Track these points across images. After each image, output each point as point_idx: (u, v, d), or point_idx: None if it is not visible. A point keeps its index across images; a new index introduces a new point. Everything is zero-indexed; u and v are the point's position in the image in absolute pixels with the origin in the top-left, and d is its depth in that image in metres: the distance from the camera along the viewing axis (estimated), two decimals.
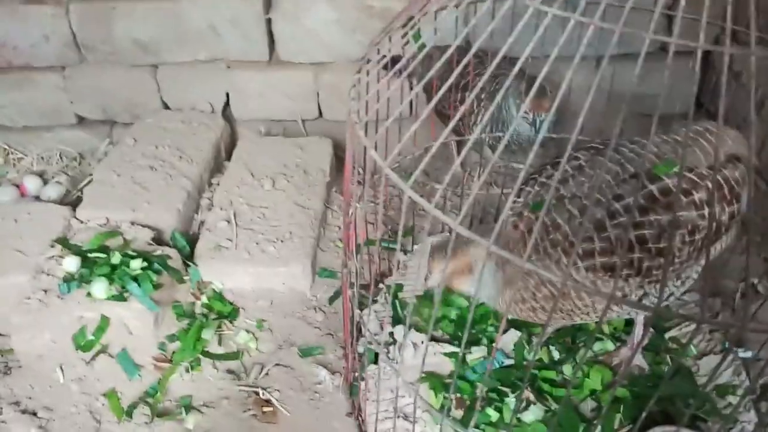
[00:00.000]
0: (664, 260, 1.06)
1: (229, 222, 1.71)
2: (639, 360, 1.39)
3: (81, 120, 2.30)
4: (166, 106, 2.26)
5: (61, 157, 2.28)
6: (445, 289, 1.32)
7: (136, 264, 1.47)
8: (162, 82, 2.21)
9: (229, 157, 2.12)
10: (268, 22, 2.09)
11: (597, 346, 1.44)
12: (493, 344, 1.45)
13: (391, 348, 1.44)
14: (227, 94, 2.23)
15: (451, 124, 0.88)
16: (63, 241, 1.58)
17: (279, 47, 2.14)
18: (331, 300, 1.63)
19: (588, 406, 1.34)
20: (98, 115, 2.28)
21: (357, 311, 1.20)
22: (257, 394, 1.40)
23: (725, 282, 1.61)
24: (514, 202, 1.26)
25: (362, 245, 1.63)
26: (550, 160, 1.30)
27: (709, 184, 1.12)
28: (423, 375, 1.38)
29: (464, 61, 0.94)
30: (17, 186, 2.08)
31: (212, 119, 2.17)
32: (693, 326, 1.52)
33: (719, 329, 1.48)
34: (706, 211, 1.11)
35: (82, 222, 1.69)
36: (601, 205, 1.10)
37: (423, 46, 1.35)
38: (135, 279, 1.44)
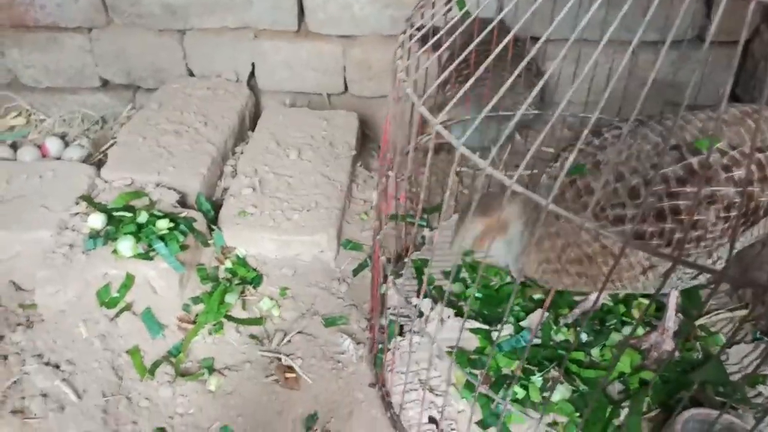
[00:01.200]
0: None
1: (254, 189, 1.69)
2: (668, 342, 1.37)
3: (105, 84, 2.28)
4: (191, 74, 2.23)
5: (82, 120, 2.26)
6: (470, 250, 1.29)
7: (163, 224, 1.46)
8: (188, 48, 2.19)
9: (253, 127, 2.10)
10: None
11: (626, 330, 1.42)
12: (520, 322, 1.43)
13: (416, 321, 1.42)
14: (253, 64, 2.20)
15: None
16: (88, 199, 1.57)
17: (308, 18, 2.11)
18: (356, 272, 1.61)
19: (616, 388, 1.32)
20: (122, 79, 2.26)
21: (389, 280, 1.18)
22: (279, 360, 1.38)
23: (758, 274, 1.58)
24: (550, 166, 1.27)
25: (389, 218, 1.61)
26: (590, 129, 1.28)
27: (752, 165, 1.09)
28: (448, 349, 1.37)
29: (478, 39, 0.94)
30: (39, 147, 2.07)
31: (237, 88, 2.14)
32: (722, 315, 1.50)
33: (749, 318, 1.46)
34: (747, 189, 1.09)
35: (106, 182, 1.67)
36: (637, 173, 1.09)
37: (468, 14, 1.33)
38: (161, 239, 1.42)
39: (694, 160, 1.08)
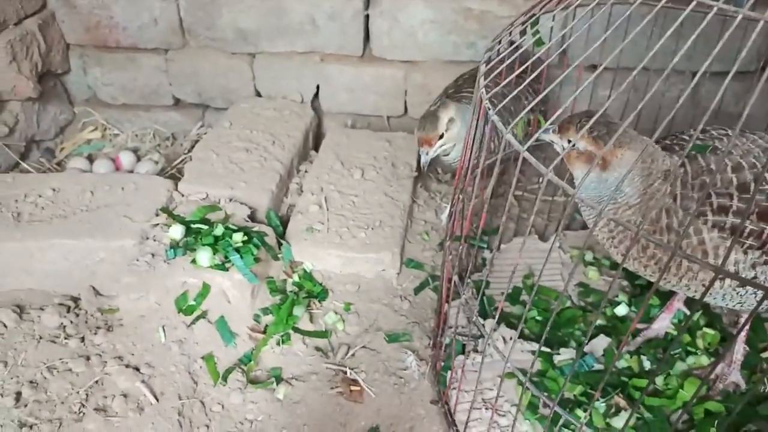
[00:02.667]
0: None
1: (320, 206, 1.76)
2: (736, 377, 1.36)
3: (177, 102, 2.41)
4: (258, 94, 2.34)
5: (154, 136, 2.38)
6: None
7: (238, 237, 1.53)
8: (257, 70, 2.29)
9: (315, 147, 2.18)
10: (366, 18, 2.14)
11: (690, 360, 1.42)
12: (582, 346, 1.44)
13: (479, 341, 1.45)
14: (317, 86, 2.29)
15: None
16: (167, 211, 1.66)
17: (373, 43, 2.19)
18: (417, 290, 1.65)
19: (680, 418, 1.32)
20: (194, 98, 2.38)
21: (459, 299, 1.21)
22: (344, 372, 1.43)
23: None
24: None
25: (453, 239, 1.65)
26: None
27: None
28: (510, 370, 1.39)
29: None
30: (112, 160, 2.19)
31: (302, 109, 2.23)
32: None
33: None
34: None
35: (183, 195, 1.76)
36: (754, 168, 1.12)
37: (542, 43, 1.37)
38: (237, 251, 1.49)
39: None
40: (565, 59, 2.00)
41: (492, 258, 1.69)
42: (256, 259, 1.51)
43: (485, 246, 1.74)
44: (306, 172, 2.00)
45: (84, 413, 1.30)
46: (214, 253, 1.49)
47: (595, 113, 1.05)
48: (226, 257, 1.49)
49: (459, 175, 1.22)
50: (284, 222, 1.77)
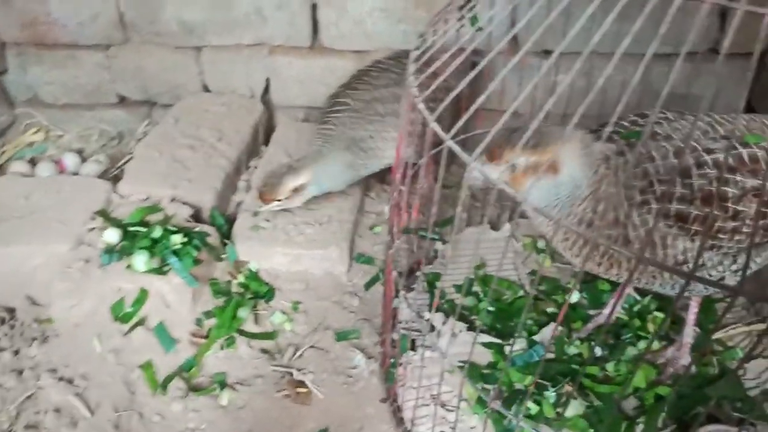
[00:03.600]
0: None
1: None
2: (685, 357, 1.35)
3: (122, 100, 2.32)
4: (206, 89, 2.27)
5: (99, 136, 2.30)
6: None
7: (177, 239, 1.47)
8: (204, 65, 2.22)
9: (266, 142, 2.12)
10: (314, 7, 2.08)
11: (641, 344, 1.40)
12: (533, 336, 1.42)
13: (428, 336, 1.42)
14: (267, 80, 2.23)
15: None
16: (104, 214, 1.59)
17: (322, 34, 2.13)
18: (368, 285, 1.61)
19: (631, 404, 1.30)
20: (139, 95, 2.30)
21: (401, 295, 1.17)
22: (291, 374, 1.38)
23: None
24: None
25: (402, 231, 1.61)
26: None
27: None
28: (460, 364, 1.36)
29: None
30: (56, 162, 2.11)
31: (252, 104, 2.17)
32: (740, 329, 1.48)
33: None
34: None
35: (122, 197, 1.70)
36: (694, 152, 1.08)
37: (480, 29, 1.33)
38: (175, 253, 1.44)
39: (744, 151, 1.09)
40: (511, 47, 1.97)
41: (444, 250, 1.66)
42: (196, 261, 1.46)
43: (437, 238, 1.71)
44: (255, 167, 1.95)
45: (14, 431, 1.24)
46: (152, 257, 1.43)
47: (515, 128, 1.01)
48: (163, 260, 1.43)
49: (395, 168, 1.18)
50: (232, 221, 1.72)
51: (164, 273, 1.42)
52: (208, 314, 1.47)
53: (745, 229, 1.07)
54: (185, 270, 1.42)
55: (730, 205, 1.06)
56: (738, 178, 1.06)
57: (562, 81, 0.87)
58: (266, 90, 2.26)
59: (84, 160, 2.13)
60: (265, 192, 1.59)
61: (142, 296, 1.40)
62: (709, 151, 1.09)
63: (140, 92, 2.29)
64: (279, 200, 1.59)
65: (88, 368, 1.35)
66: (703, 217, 1.06)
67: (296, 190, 1.60)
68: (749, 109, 2.03)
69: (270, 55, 2.18)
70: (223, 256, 1.58)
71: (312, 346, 1.45)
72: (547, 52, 2.02)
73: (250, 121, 2.07)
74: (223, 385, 1.35)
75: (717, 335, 1.44)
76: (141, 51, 2.20)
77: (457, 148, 0.86)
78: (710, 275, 1.15)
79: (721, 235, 1.07)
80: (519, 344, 1.39)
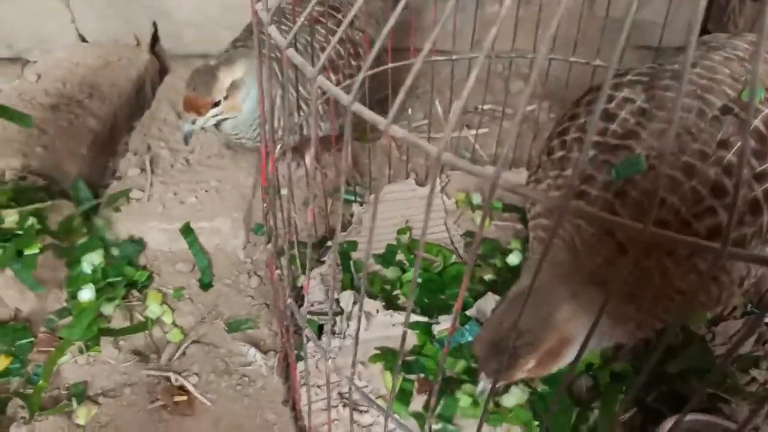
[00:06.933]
0: None
1: (143, 169, 1.39)
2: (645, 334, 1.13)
3: None
4: (84, 40, 1.91)
5: None
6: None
7: (13, 218, 1.16)
8: (77, 10, 1.86)
9: None
10: None
11: None
12: (467, 311, 1.17)
13: (337, 319, 1.16)
14: (154, 24, 1.88)
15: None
16: None
17: None
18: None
19: (583, 384, 1.08)
20: (4, 52, 1.93)
21: (280, 277, 0.90)
22: (168, 380, 1.11)
23: None
24: (557, 176, 0.88)
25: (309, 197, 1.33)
26: (572, 108, 0.93)
27: None
28: (377, 352, 1.11)
29: None
30: None
31: (135, 53, 1.83)
32: None
33: None
34: None
35: None
36: (708, 158, 0.76)
37: None
38: (8, 240, 1.12)
39: (758, 123, 0.78)
40: None
41: (360, 213, 1.40)
42: (43, 249, 1.14)
43: (353, 199, 1.43)
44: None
45: None
46: None
47: None
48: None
49: (264, 158, 0.86)
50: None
51: None
52: (62, 313, 1.17)
53: None
54: (28, 271, 1.11)
55: None
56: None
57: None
58: (155, 37, 1.92)
59: None
60: (195, 96, 1.18)
61: None
62: (724, 145, 0.77)
63: (4, 48, 1.92)
64: (218, 103, 1.20)
65: None
66: (758, 230, 0.78)
67: (234, 86, 1.21)
68: (705, 32, 1.80)
69: None
70: (83, 239, 1.27)
71: (197, 341, 1.18)
72: None
73: (131, 73, 1.74)
74: (80, 398, 1.07)
75: None
76: None
77: (331, 86, 0.57)
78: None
79: None
80: (448, 322, 1.15)
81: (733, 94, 0.82)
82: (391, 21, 0.49)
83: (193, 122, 1.21)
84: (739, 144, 0.75)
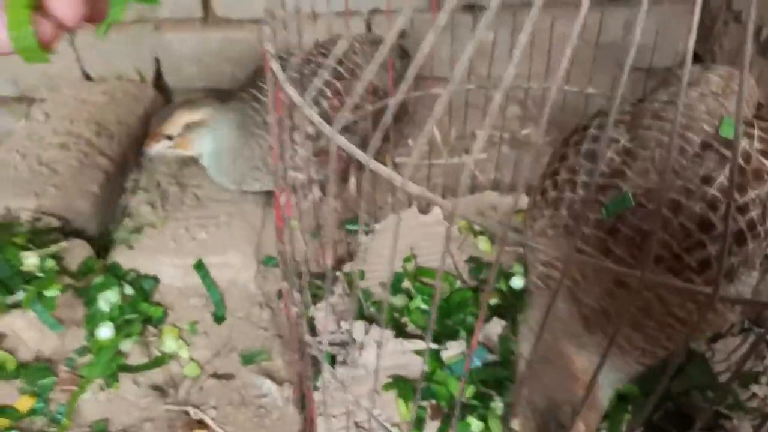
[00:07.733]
0: None
1: (153, 206, 1.43)
2: None
3: None
4: (88, 78, 1.95)
5: None
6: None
7: (33, 261, 1.19)
8: (81, 49, 1.91)
9: None
10: None
11: None
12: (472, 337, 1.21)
13: (349, 349, 1.19)
14: (157, 60, 1.93)
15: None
16: None
17: (213, 2, 1.85)
18: (280, 294, 1.37)
19: None
20: (10, 90, 1.97)
21: (295, 308, 0.94)
22: (187, 413, 1.14)
23: None
24: (552, 216, 0.89)
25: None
26: (561, 148, 0.96)
27: None
28: (389, 380, 1.15)
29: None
30: None
31: (140, 89, 1.87)
32: None
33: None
34: None
35: None
36: (692, 195, 0.80)
37: None
38: (29, 283, 1.16)
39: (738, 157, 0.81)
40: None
41: (366, 243, 1.44)
42: (63, 288, 1.18)
43: (365, 229, 1.47)
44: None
45: None
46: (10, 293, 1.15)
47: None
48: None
49: (276, 146, 0.90)
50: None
51: (18, 307, 1.15)
52: (82, 351, 1.20)
53: None
54: (47, 312, 1.14)
55: (759, 228, 0.82)
56: (753, 194, 0.81)
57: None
58: (159, 73, 1.96)
59: None
60: (153, 126, 1.30)
61: None
62: (708, 180, 0.81)
63: (10, 87, 1.96)
64: (170, 137, 1.28)
65: None
66: (744, 259, 0.82)
67: (190, 128, 1.29)
68: (695, 58, 1.86)
69: (157, 31, 1.88)
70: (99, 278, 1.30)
71: (214, 375, 1.21)
72: (472, 7, 1.80)
73: (137, 110, 1.78)
74: None
75: None
76: None
77: (316, 117, 0.61)
78: None
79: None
80: (456, 348, 1.18)
81: (711, 130, 0.86)
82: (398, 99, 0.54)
83: (148, 148, 1.31)
84: (720, 179, 0.80)
